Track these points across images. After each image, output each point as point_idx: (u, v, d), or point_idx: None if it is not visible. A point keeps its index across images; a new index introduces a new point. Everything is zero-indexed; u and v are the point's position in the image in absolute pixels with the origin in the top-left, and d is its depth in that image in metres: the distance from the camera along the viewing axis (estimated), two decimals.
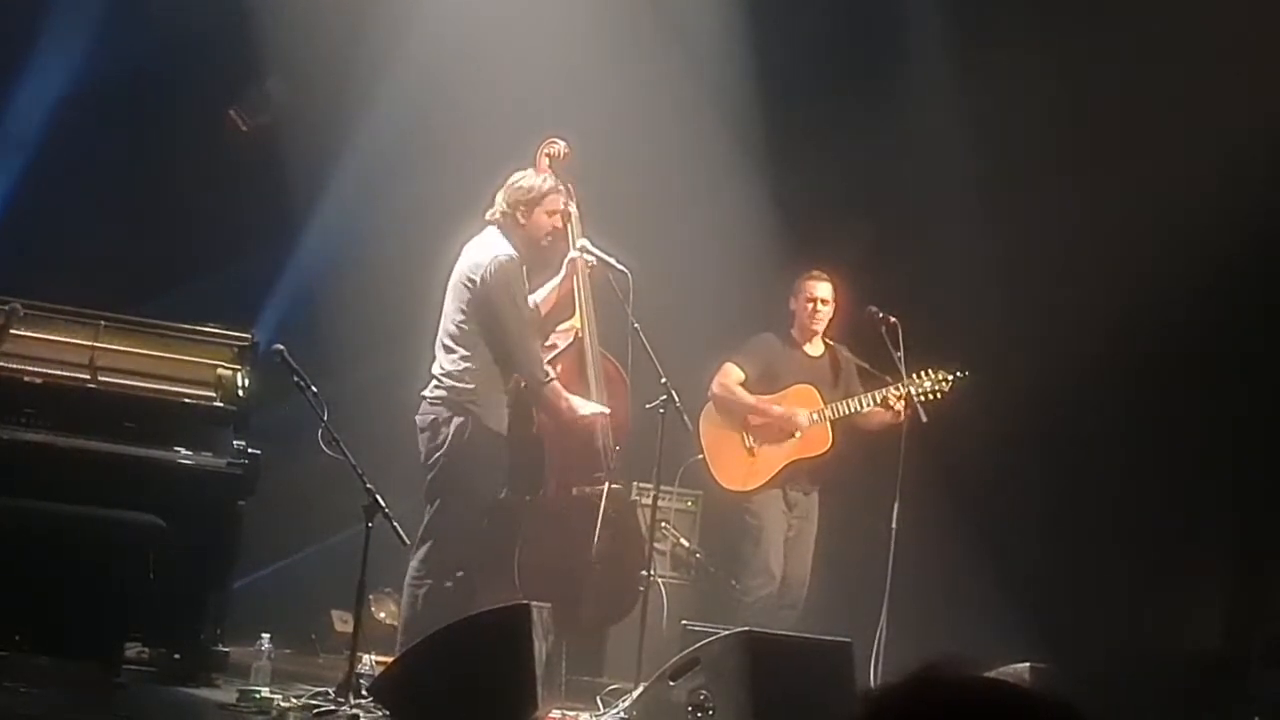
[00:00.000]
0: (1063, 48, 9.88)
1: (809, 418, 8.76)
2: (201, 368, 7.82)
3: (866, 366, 8.87)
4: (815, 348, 8.99)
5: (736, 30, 10.12)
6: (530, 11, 9.72)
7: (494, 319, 7.81)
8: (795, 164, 10.02)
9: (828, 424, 8.80)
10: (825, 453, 8.83)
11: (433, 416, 7.80)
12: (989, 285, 9.96)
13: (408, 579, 7.80)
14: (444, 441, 7.76)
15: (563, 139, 8.19)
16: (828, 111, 10.08)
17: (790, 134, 10.09)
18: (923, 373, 8.70)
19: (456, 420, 7.76)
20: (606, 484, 8.12)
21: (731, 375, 8.83)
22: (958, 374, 8.75)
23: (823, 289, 8.89)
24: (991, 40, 10.00)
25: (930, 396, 8.68)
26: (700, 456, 8.89)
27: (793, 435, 8.77)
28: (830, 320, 8.93)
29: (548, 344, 8.17)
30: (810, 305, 8.88)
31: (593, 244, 8.16)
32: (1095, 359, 9.74)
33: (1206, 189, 9.37)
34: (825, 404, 8.81)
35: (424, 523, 7.78)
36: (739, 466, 8.82)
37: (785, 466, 8.79)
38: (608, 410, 8.12)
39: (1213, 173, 9.31)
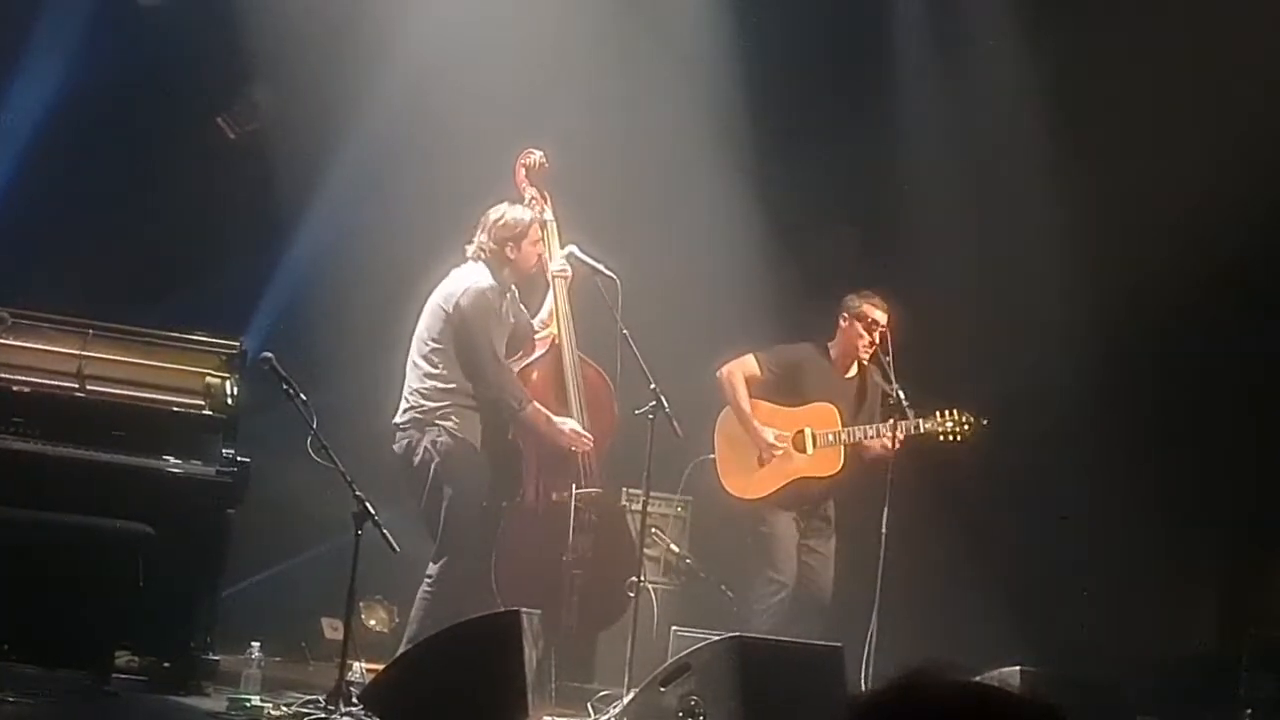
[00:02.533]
0: (1050, 50, 9.90)
1: (820, 440, 8.62)
2: (190, 376, 7.81)
3: (890, 361, 8.54)
4: (850, 370, 8.82)
5: (723, 35, 10.12)
6: (516, 19, 9.72)
7: (468, 348, 7.90)
8: (782, 169, 10.02)
9: (841, 448, 8.67)
10: (835, 475, 8.69)
11: (406, 440, 7.91)
12: (978, 288, 9.97)
13: (423, 589, 7.88)
14: (426, 458, 7.84)
15: (539, 149, 8.27)
16: (815, 116, 10.09)
17: (777, 139, 10.09)
18: (945, 412, 8.56)
19: (427, 439, 7.85)
20: (573, 488, 8.14)
21: (745, 367, 8.71)
22: (982, 421, 8.59)
23: (883, 317, 8.61)
24: (978, 44, 10.02)
25: (949, 437, 8.56)
26: (711, 456, 8.83)
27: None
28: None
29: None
30: (869, 333, 8.60)
31: (580, 250, 8.19)
32: (1087, 362, 9.76)
33: (1196, 191, 9.39)
34: (843, 427, 8.67)
35: (439, 538, 7.86)
36: (746, 473, 8.72)
37: (790, 483, 8.68)
38: (589, 438, 8.14)
39: (1203, 175, 9.33)
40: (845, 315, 8.75)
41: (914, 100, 10.29)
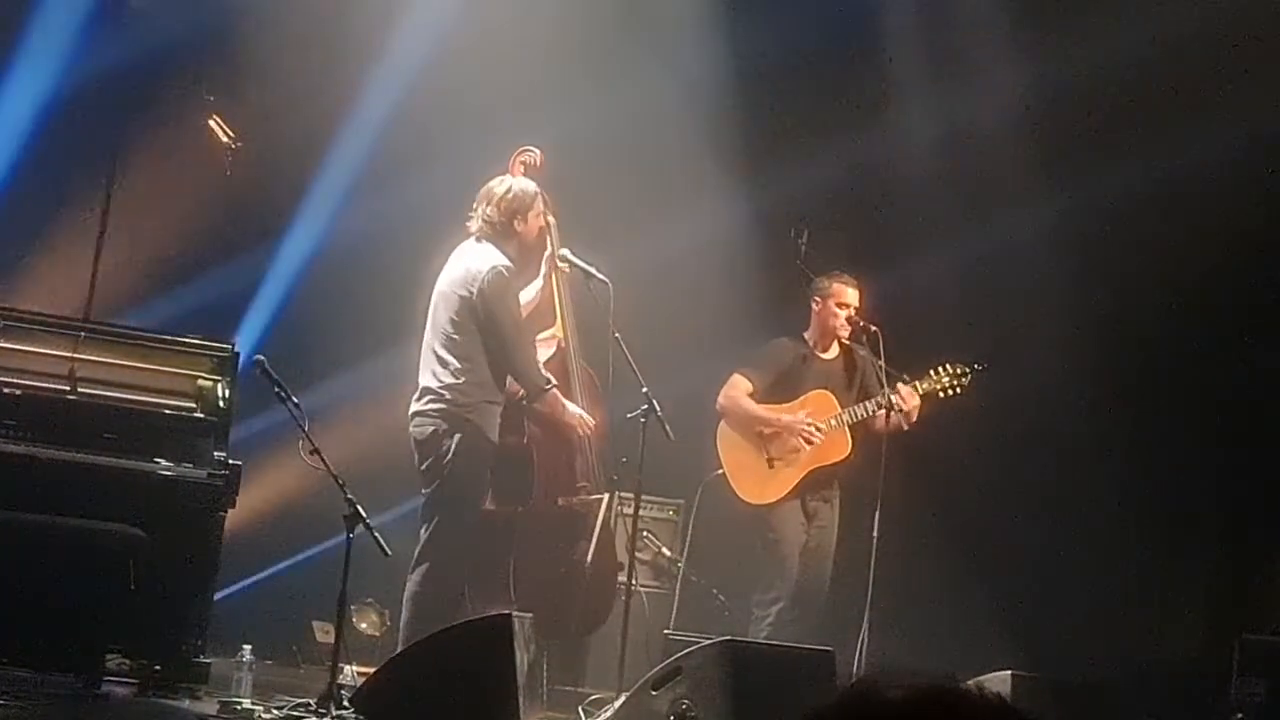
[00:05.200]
0: (1040, 52, 9.91)
1: (824, 423, 8.64)
2: (182, 378, 7.79)
3: (883, 365, 8.55)
4: (831, 350, 8.85)
5: (715, 39, 10.14)
6: (509, 21, 9.73)
7: (493, 330, 7.78)
8: (774, 173, 10.03)
9: (846, 429, 8.65)
10: (845, 459, 8.67)
11: (432, 428, 7.73)
12: (969, 292, 9.98)
13: (408, 595, 7.78)
14: (447, 458, 7.70)
15: (537, 147, 8.22)
16: (806, 120, 10.09)
17: (768, 143, 10.11)
18: (940, 368, 8.57)
19: (458, 435, 7.70)
20: (606, 495, 8.17)
21: (739, 387, 8.71)
22: (976, 366, 8.60)
23: (854, 296, 8.70)
24: (970, 47, 10.03)
25: (949, 392, 8.56)
26: (720, 471, 8.78)
27: (808, 442, 8.66)
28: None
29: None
30: (843, 312, 8.68)
31: (572, 253, 8.19)
32: (1078, 367, 9.77)
33: (1187, 192, 9.41)
34: (842, 409, 8.66)
35: (423, 540, 7.76)
36: (760, 479, 8.68)
37: (806, 475, 8.67)
38: (592, 422, 8.16)
39: (1192, 176, 9.35)
40: (817, 298, 8.80)
41: (905, 104, 10.30)
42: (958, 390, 8.56)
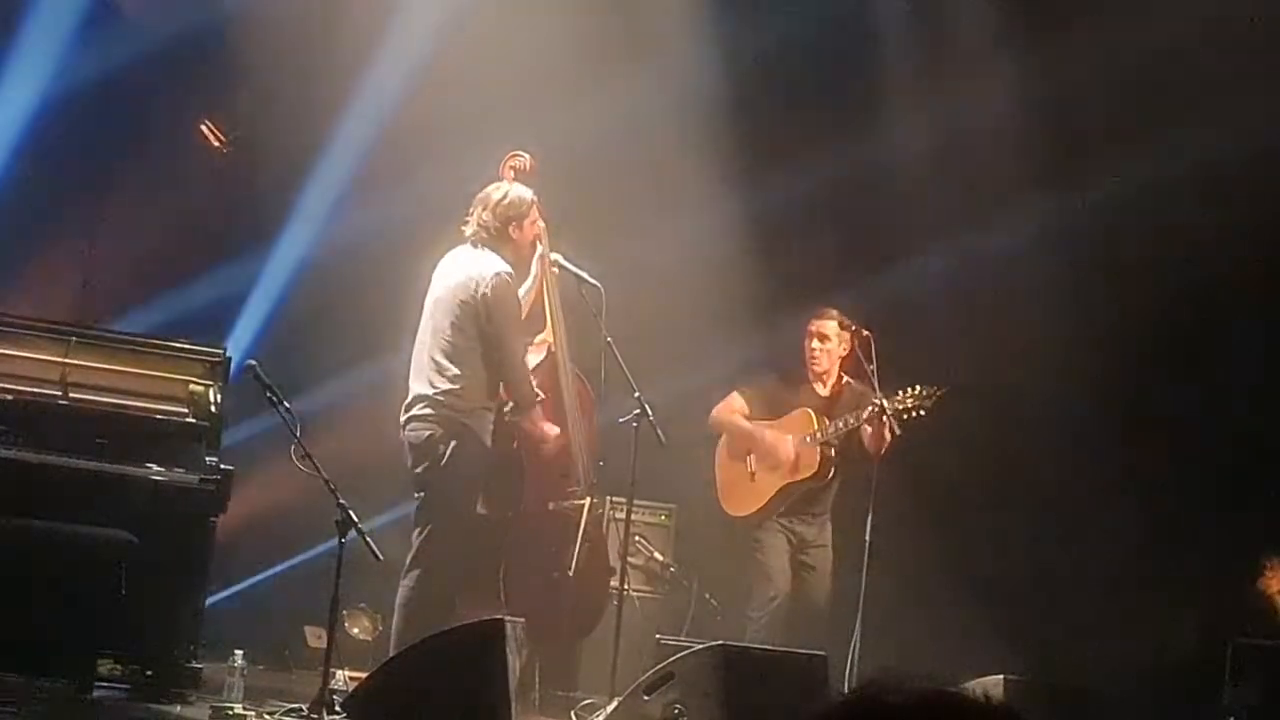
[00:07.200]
0: (1030, 60, 9.92)
1: (797, 442, 8.69)
2: (174, 383, 7.77)
3: (874, 370, 8.49)
4: (826, 387, 8.88)
5: (707, 45, 10.14)
6: (501, 27, 9.72)
7: (496, 336, 7.74)
8: (767, 177, 10.04)
9: (818, 448, 8.70)
10: (814, 476, 8.72)
11: (429, 433, 7.70)
12: (959, 295, 9.99)
13: (400, 601, 7.75)
14: (442, 463, 7.67)
15: (527, 152, 8.20)
16: (800, 124, 10.10)
17: (761, 147, 10.10)
18: (904, 390, 8.59)
19: (454, 441, 7.67)
20: (588, 499, 8.15)
21: (733, 403, 8.85)
22: (937, 390, 8.64)
23: (830, 328, 8.75)
24: (965, 51, 10.04)
25: (912, 414, 8.58)
26: (708, 483, 8.92)
27: (783, 462, 8.71)
28: (844, 359, 8.77)
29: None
30: (813, 344, 8.78)
31: (565, 258, 8.18)
32: (1068, 369, 9.77)
33: (1184, 194, 9.42)
34: (819, 428, 8.73)
35: (416, 546, 7.73)
36: (740, 492, 8.83)
37: (779, 491, 8.72)
38: (559, 431, 8.12)
39: (1190, 178, 9.36)
40: (806, 333, 8.87)
41: (899, 108, 10.30)
42: (920, 414, 8.53)
